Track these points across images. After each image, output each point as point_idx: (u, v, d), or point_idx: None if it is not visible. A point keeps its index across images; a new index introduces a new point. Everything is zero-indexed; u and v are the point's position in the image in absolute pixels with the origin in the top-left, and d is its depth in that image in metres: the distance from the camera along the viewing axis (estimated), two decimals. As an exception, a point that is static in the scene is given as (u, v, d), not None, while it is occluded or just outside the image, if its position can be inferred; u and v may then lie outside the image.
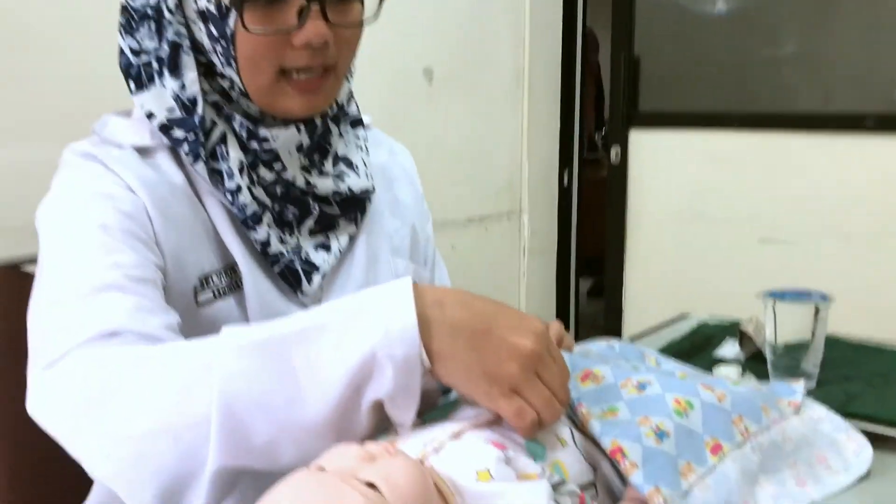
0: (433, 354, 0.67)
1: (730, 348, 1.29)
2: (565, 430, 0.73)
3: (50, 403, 0.71)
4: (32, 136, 1.42)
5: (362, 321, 0.67)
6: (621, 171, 2.71)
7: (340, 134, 1.00)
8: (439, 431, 0.67)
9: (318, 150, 0.96)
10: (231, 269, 0.91)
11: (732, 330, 1.30)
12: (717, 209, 2.60)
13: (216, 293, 0.90)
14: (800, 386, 0.95)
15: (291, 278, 0.93)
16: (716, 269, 2.59)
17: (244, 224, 0.90)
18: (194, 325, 0.89)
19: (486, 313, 0.69)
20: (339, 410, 0.66)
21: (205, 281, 0.89)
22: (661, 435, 0.74)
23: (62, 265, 0.80)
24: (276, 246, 0.92)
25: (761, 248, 2.55)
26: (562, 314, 2.82)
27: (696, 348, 1.28)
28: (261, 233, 0.91)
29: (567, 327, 2.83)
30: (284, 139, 0.91)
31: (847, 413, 0.93)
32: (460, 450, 0.65)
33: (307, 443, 0.67)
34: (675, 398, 0.78)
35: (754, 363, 1.20)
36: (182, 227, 0.88)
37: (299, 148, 0.93)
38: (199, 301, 0.88)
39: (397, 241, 1.09)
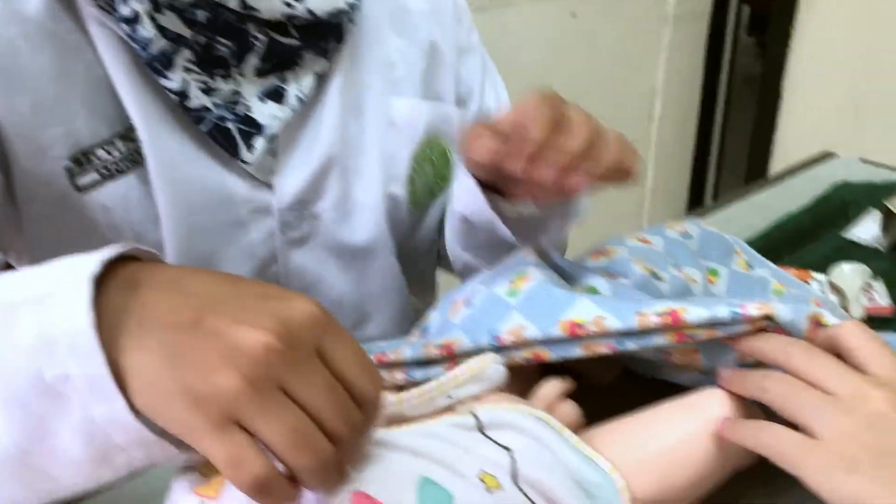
0: (120, 369, 0.39)
1: (867, 228, 0.95)
2: (499, 454, 0.48)
3: None
4: None
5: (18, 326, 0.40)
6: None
7: None
8: None
9: None
10: (133, 136, 0.66)
11: (877, 199, 0.95)
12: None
13: (104, 172, 0.66)
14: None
15: (225, 142, 0.68)
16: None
17: (151, 68, 0.64)
18: (79, 217, 0.66)
19: (205, 295, 0.41)
20: (22, 451, 0.41)
21: (83, 158, 0.65)
22: None
23: None
24: (198, 98, 0.66)
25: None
26: (707, 101, 2.39)
27: (821, 224, 0.95)
28: (174, 79, 0.65)
29: (711, 124, 2.43)
30: None
31: None
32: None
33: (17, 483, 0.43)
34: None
35: (898, 258, 0.87)
36: (41, 88, 0.63)
37: None
38: (79, 185, 0.65)
39: (402, 71, 0.79)
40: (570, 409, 0.56)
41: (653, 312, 0.52)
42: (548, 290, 0.57)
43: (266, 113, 0.68)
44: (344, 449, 0.40)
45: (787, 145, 2.26)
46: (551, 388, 0.55)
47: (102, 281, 0.40)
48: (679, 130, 2.39)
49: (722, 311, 0.51)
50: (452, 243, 0.79)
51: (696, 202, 2.51)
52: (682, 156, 2.45)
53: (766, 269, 0.79)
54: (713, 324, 0.52)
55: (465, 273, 0.78)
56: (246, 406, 0.37)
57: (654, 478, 0.51)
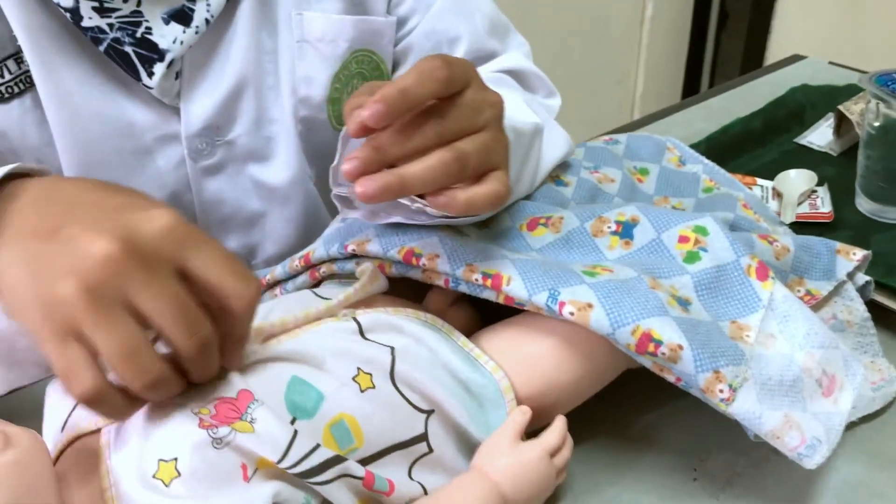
0: None
1: (821, 133, 0.93)
2: (379, 354, 0.48)
3: None
4: None
5: None
6: None
7: None
8: None
9: None
10: (24, 58, 0.63)
11: (835, 103, 0.92)
12: None
13: None
14: (851, 260, 0.62)
15: (125, 65, 0.65)
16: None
17: None
18: None
19: (70, 202, 0.42)
20: None
21: None
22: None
23: None
24: (91, 18, 0.63)
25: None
26: (701, 2, 2.31)
27: (772, 128, 0.93)
28: None
29: (705, 27, 2.32)
30: None
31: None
32: (156, 419, 0.42)
33: None
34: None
35: (849, 163, 0.85)
36: None
37: None
38: None
39: None
40: (462, 312, 0.56)
41: (480, 270, 0.52)
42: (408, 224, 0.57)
43: (168, 36, 0.64)
44: (191, 363, 0.41)
45: (783, 51, 2.19)
46: (442, 293, 0.55)
47: None
48: (671, 33, 2.33)
49: (540, 298, 0.50)
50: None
51: (689, 109, 2.46)
52: (675, 60, 2.39)
53: (698, 165, 0.78)
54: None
55: None
56: (82, 316, 0.38)
57: (538, 377, 0.52)
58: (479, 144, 0.47)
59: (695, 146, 0.85)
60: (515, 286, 0.51)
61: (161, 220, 0.40)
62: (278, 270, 0.61)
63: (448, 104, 0.47)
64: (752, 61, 2.26)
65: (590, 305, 0.49)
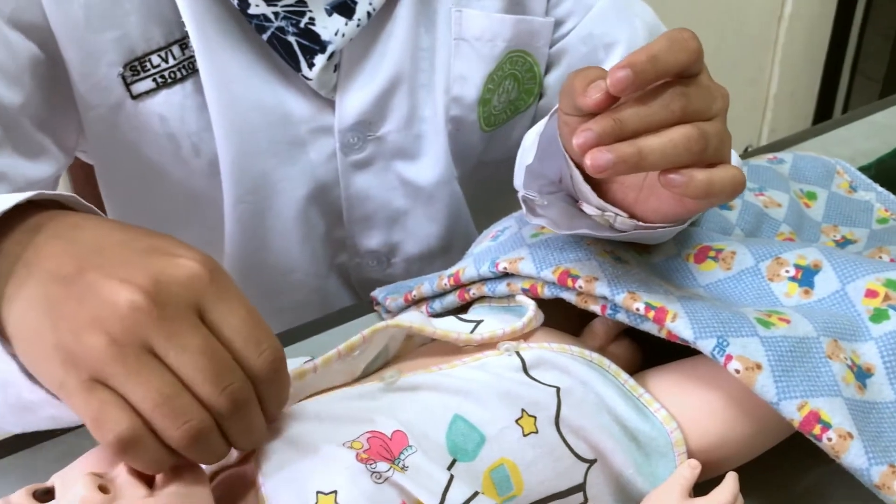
0: (3, 321, 0.39)
1: None
2: (544, 396, 0.46)
3: None
4: None
5: None
6: None
7: None
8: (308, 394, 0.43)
9: None
10: (189, 43, 0.64)
11: None
12: None
13: (160, 80, 0.64)
14: None
15: (286, 55, 0.65)
16: None
17: None
18: (136, 125, 0.66)
19: (93, 245, 0.39)
20: None
21: (138, 65, 0.63)
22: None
23: None
24: (258, 5, 0.63)
25: None
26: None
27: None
28: None
29: (848, 24, 2.20)
30: None
31: None
32: (309, 450, 0.41)
33: None
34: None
35: None
36: None
37: None
38: (134, 93, 0.64)
39: None
40: (624, 348, 0.53)
41: (643, 300, 0.48)
42: (565, 241, 0.54)
43: (330, 27, 0.64)
44: (228, 420, 0.37)
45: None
46: (604, 326, 0.52)
47: (9, 224, 0.41)
48: (811, 30, 2.21)
49: (706, 344, 0.46)
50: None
51: (825, 112, 2.34)
52: (813, 59, 2.27)
53: (871, 193, 0.72)
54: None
55: None
56: (110, 366, 0.35)
57: (710, 431, 0.48)
58: (717, 130, 0.44)
59: (863, 169, 0.79)
60: (681, 324, 0.47)
61: (187, 266, 0.37)
62: (425, 286, 0.59)
63: (689, 82, 0.43)
64: (898, 64, 2.13)
65: (758, 367, 0.45)
